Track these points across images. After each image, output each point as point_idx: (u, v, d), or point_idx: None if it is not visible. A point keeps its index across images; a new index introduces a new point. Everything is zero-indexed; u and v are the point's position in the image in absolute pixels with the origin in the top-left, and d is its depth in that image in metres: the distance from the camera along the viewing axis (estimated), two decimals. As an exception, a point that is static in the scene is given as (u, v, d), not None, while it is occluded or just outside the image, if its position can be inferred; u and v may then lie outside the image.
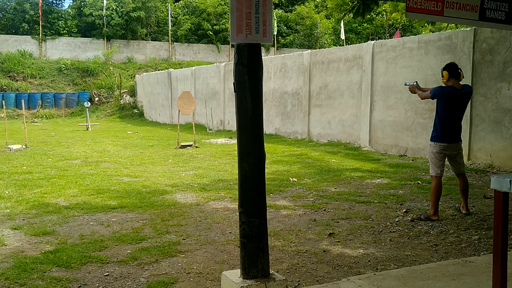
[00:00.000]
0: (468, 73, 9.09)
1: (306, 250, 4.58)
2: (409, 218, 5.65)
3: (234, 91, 2.89)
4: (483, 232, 5.07)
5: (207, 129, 18.16)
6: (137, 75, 28.34)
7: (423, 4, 3.10)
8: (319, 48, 38.05)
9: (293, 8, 40.49)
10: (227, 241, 4.88)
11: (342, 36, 34.02)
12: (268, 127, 15.41)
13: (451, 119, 5.55)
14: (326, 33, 39.29)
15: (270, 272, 3.13)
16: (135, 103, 27.31)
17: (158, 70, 29.11)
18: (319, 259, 4.36)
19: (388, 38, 41.18)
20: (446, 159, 5.73)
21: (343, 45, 35.69)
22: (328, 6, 8.11)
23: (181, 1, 36.73)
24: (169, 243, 4.79)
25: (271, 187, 7.56)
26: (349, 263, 4.24)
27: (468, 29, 9.29)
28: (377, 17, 42.14)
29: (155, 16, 34.88)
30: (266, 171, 10.14)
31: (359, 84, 11.84)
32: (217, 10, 34.80)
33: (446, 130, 5.56)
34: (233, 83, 2.89)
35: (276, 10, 37.11)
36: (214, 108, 18.48)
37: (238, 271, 3.13)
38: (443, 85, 5.70)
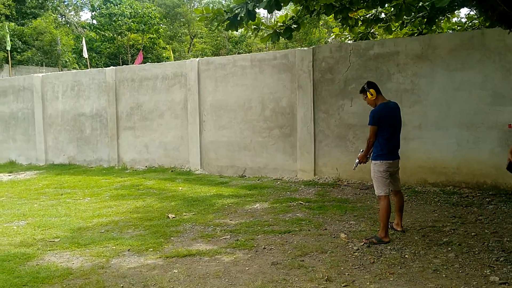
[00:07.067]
0: (309, 91, 9.36)
1: (338, 304, 3.71)
2: (362, 244, 5.27)
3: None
4: (449, 248, 5.04)
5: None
6: None
7: None
8: (60, 66, 34.77)
9: (25, 21, 36.06)
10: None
11: (85, 55, 31.79)
12: (58, 156, 12.97)
13: (393, 135, 5.43)
14: (67, 51, 36.18)
15: None
16: None
17: None
18: (369, 312, 3.56)
19: (130, 59, 40.69)
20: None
21: (87, 64, 33.58)
22: (198, 16, 7.13)
23: None
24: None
25: (159, 228, 6.17)
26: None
27: (306, 48, 9.58)
28: (118, 37, 41.27)
29: None
30: (122, 209, 8.35)
31: (184, 103, 10.97)
32: None
33: (390, 147, 5.41)
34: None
35: (9, 23, 32.25)
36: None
37: None
38: (371, 103, 5.57)
